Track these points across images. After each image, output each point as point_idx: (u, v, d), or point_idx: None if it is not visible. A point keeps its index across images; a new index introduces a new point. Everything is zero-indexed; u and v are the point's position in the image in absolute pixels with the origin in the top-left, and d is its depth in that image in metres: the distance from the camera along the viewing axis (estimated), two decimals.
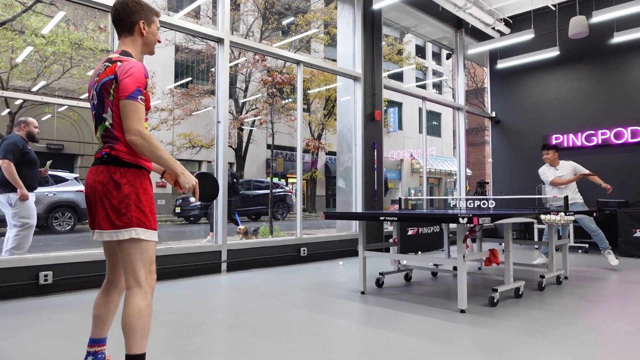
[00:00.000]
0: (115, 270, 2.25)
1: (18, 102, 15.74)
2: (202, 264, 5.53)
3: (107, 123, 2.04)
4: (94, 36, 15.79)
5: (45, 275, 4.34)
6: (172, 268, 5.25)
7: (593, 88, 9.01)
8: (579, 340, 3.02)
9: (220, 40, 5.97)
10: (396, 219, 3.84)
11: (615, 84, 8.72)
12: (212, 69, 20.39)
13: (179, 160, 21.99)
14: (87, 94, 17.48)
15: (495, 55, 10.36)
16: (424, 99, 9.45)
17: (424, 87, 33.45)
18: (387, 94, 8.06)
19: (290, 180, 27.36)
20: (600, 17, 7.47)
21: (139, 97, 1.98)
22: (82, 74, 16.58)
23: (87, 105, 5.43)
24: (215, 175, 2.18)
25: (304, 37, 22.81)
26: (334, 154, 24.47)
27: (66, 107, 17.75)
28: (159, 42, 2.31)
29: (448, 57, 10.62)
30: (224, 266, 5.71)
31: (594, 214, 5.51)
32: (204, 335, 3.19)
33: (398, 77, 30.44)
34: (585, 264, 6.60)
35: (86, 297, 4.28)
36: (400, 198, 5.53)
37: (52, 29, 13.88)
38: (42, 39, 13.57)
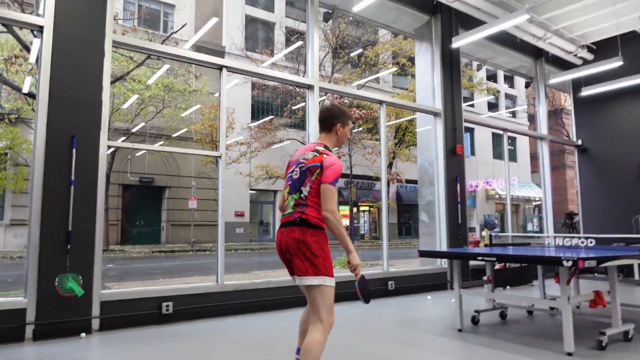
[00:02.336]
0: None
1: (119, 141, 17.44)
2: (296, 297, 5.84)
3: (302, 195, 2.67)
4: (188, 81, 17.26)
5: (167, 306, 4.86)
6: (270, 300, 5.60)
7: None
8: None
9: (310, 87, 6.44)
10: (495, 259, 3.92)
11: None
12: (289, 105, 21.34)
13: (257, 190, 23.03)
14: (176, 133, 18.72)
15: (578, 82, 10.06)
16: (505, 130, 9.37)
17: (496, 111, 32.53)
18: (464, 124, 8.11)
19: (361, 209, 27.55)
20: None
21: (336, 184, 2.64)
22: (171, 114, 18.11)
23: (177, 149, 6.11)
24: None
25: (378, 71, 23.26)
26: (406, 181, 24.39)
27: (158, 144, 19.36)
28: (348, 138, 3.04)
29: (527, 85, 10.46)
30: None
31: None
32: None
33: (470, 103, 29.91)
34: None
35: (201, 327, 4.73)
36: (490, 235, 5.55)
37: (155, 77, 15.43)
38: (140, 84, 15.10)
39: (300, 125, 22.06)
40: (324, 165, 2.63)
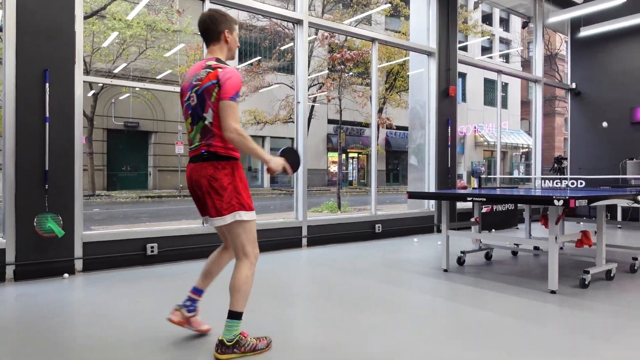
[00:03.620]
0: (228, 241, 2.68)
1: (100, 84, 16.82)
2: (286, 239, 5.84)
3: (206, 122, 2.37)
4: (171, 19, 16.44)
5: (152, 247, 4.80)
6: (260, 242, 5.58)
7: None
8: None
9: (299, 22, 6.09)
10: (485, 200, 3.86)
11: None
12: (278, 47, 20.60)
13: None
14: (160, 75, 18.11)
15: (577, 22, 9.72)
16: (499, 72, 9.13)
17: (491, 57, 31.90)
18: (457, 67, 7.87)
19: (350, 155, 27.46)
20: None
21: (237, 99, 2.33)
22: (155, 55, 17.38)
23: (159, 87, 5.80)
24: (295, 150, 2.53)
25: (373, 12, 22.37)
26: (396, 128, 24.19)
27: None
28: (238, 47, 2.65)
29: (524, 25, 10.09)
30: (304, 241, 5.99)
31: None
32: (297, 306, 3.45)
33: (463, 47, 29.18)
34: None
35: (186, 268, 4.70)
36: (480, 177, 5.49)
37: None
38: (121, 23, 14.34)
39: (289, 68, 21.44)
40: (220, 81, 2.30)
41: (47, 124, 4.25)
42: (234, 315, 2.41)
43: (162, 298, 3.59)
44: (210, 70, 2.36)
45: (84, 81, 4.60)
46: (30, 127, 4.18)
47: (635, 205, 4.24)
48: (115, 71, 17.30)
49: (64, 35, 4.38)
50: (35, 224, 4.11)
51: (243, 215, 2.38)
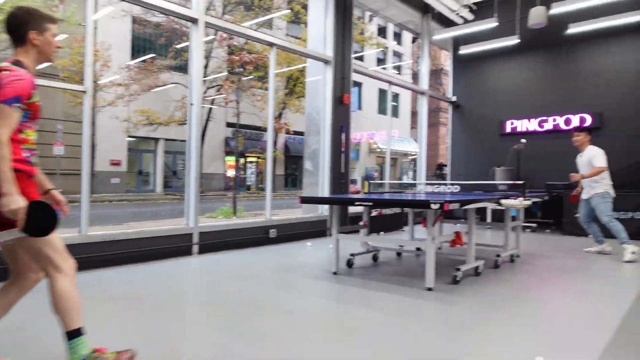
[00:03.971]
0: (19, 266, 2.29)
1: None
2: (174, 247, 5.57)
3: None
4: (51, 7, 14.92)
5: None
6: (144, 251, 5.26)
7: (548, 76, 9.53)
8: (531, 314, 3.37)
9: (194, 21, 5.88)
10: (372, 204, 4.05)
11: (567, 73, 9.26)
12: (174, 45, 19.75)
13: (137, 137, 21.33)
14: (37, 67, 16.48)
15: (458, 41, 10.68)
16: (390, 83, 9.68)
17: (385, 68, 33.80)
18: (352, 76, 8.22)
19: (249, 160, 27.20)
20: (558, 9, 7.86)
21: (15, 105, 2.04)
22: None
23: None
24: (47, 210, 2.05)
25: (274, 17, 22.41)
26: (294, 133, 24.50)
27: None
28: (59, 47, 2.35)
29: (414, 40, 10.86)
30: (195, 248, 5.78)
31: (544, 198, 5.98)
32: (185, 316, 3.31)
33: (359, 57, 30.56)
34: (536, 242, 7.14)
35: None
36: (369, 182, 5.76)
37: None
38: None
39: (185, 67, 20.65)
40: (1, 82, 2.05)
41: None
42: (72, 335, 2.17)
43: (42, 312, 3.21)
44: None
45: None
46: None
47: (500, 207, 4.75)
48: None
49: None
50: None
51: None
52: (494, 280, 4.46)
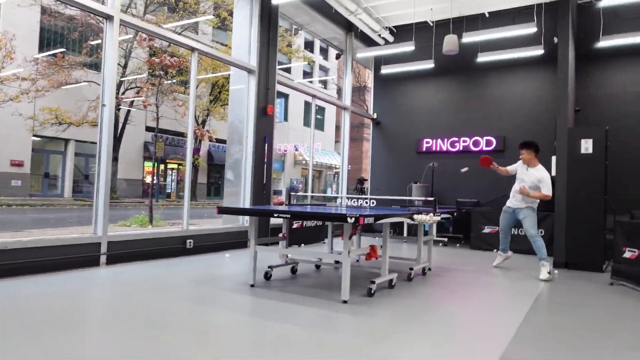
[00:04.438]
0: None
1: None
2: (79, 257, 5.15)
3: None
4: None
5: None
6: (43, 261, 4.81)
7: (459, 100, 10.22)
8: (440, 324, 3.54)
9: (109, 18, 5.55)
10: (289, 216, 4.04)
11: (477, 97, 10.01)
12: (89, 41, 18.55)
13: (43, 136, 19.61)
14: None
15: (380, 61, 11.13)
16: (314, 96, 9.82)
17: (311, 81, 34.31)
18: (277, 87, 8.23)
19: (169, 166, 26.13)
20: (469, 38, 8.51)
21: None
22: None
23: None
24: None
25: (198, 21, 21.86)
26: (218, 141, 23.99)
27: None
28: None
29: (337, 57, 11.13)
30: (103, 259, 5.39)
31: (454, 214, 6.35)
32: (79, 333, 3.06)
33: (287, 69, 30.77)
34: (447, 256, 7.55)
35: None
36: (290, 194, 5.76)
37: None
38: None
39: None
40: None
41: None
42: None
43: None
44: None
45: None
46: None
47: (413, 222, 4.96)
48: None
49: None
50: None
51: None
52: (407, 292, 4.63)
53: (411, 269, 5.31)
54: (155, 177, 14.18)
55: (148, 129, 22.89)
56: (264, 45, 7.88)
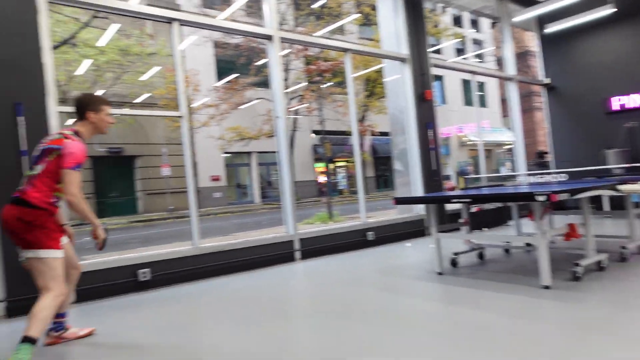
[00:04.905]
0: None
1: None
2: (278, 254, 5.81)
3: (34, 172, 2.86)
4: (142, 42, 16.41)
5: (144, 273, 4.74)
6: (250, 259, 5.55)
7: None
8: None
9: (269, 38, 6.13)
10: (470, 200, 3.90)
11: None
12: (254, 62, 20.66)
13: (231, 153, 22.65)
14: (139, 99, 18.11)
15: (543, 19, 9.95)
16: (473, 73, 9.28)
17: (465, 58, 32.41)
18: (432, 70, 7.99)
19: (338, 164, 27.55)
20: None
21: (77, 169, 2.82)
22: (131, 79, 17.32)
23: (138, 112, 5.80)
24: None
25: (344, 23, 22.58)
26: (380, 134, 24.35)
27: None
28: (112, 123, 3.16)
29: (493, 25, 10.32)
30: (297, 254, 5.98)
31: None
32: (288, 320, 3.43)
33: (436, 51, 29.62)
34: None
35: (180, 290, 4.64)
36: (465, 178, 5.55)
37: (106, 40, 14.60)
38: (94, 49, 14.28)
39: (268, 83, 21.52)
40: (64, 150, 2.80)
41: (24, 157, 4.19)
42: (27, 340, 2.61)
43: (166, 322, 3.54)
44: (61, 137, 2.88)
45: (59, 112, 4.53)
46: (6, 161, 4.12)
47: (618, 194, 4.32)
48: None
49: (33, 67, 4.34)
50: (19, 259, 4.02)
51: (44, 253, 2.76)
52: (623, 275, 4.06)
53: (623, 247, 4.62)
54: (327, 177, 15.12)
55: (314, 132, 24.52)
56: (413, 31, 7.74)
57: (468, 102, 32.88)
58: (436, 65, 8.30)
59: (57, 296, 2.77)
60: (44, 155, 2.84)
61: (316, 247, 6.20)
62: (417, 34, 7.80)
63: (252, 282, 4.88)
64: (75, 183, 2.79)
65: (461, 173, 26.09)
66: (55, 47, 13.07)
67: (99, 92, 17.15)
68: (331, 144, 22.33)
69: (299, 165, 23.68)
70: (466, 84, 32.54)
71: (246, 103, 20.86)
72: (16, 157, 4.18)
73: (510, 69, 10.01)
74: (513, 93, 10.07)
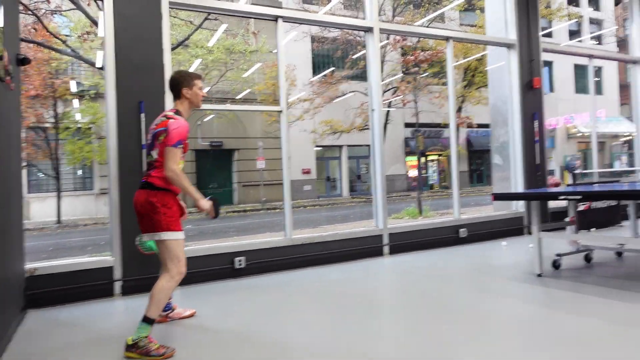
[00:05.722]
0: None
1: None
2: (366, 248, 5.82)
3: (152, 158, 2.99)
4: (247, 41, 17.34)
5: (240, 260, 5.04)
6: (340, 252, 5.63)
7: None
8: None
9: (369, 30, 6.10)
10: (580, 197, 3.57)
11: None
12: (350, 55, 20.77)
13: (322, 146, 23.11)
14: (240, 95, 19.18)
15: None
16: (590, 56, 8.41)
17: (580, 40, 29.48)
18: (542, 55, 7.38)
19: (429, 158, 26.74)
20: None
21: (179, 146, 2.90)
22: (234, 76, 18.35)
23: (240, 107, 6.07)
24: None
25: (446, 10, 21.78)
26: (478, 126, 23.20)
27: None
28: (205, 97, 3.25)
29: (617, 2, 9.22)
30: (386, 249, 5.94)
31: None
32: (379, 314, 3.42)
33: (547, 33, 27.31)
34: None
35: (273, 279, 4.86)
36: (574, 173, 5.09)
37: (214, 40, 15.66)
38: (203, 50, 15.37)
39: (362, 75, 21.48)
40: (168, 129, 2.89)
41: (144, 150, 4.65)
42: (146, 320, 2.80)
43: (262, 309, 3.75)
44: (164, 119, 2.99)
45: None
46: (130, 155, 4.60)
47: None
48: None
49: (155, 68, 4.77)
50: (136, 242, 4.50)
51: (168, 235, 2.88)
52: None
53: None
54: (419, 171, 14.78)
55: (406, 125, 24.03)
56: (523, 14, 7.20)
57: (580, 89, 29.94)
58: (547, 50, 7.66)
59: (174, 277, 2.89)
60: (155, 139, 2.98)
61: (405, 242, 6.09)
62: (528, 16, 7.24)
63: (341, 275, 4.95)
64: (174, 159, 2.86)
65: (567, 167, 23.89)
66: (172, 49, 14.35)
67: (206, 89, 18.50)
68: (424, 137, 21.76)
69: (389, 159, 23.42)
70: (579, 69, 29.62)
71: (340, 96, 21.08)
72: (140, 150, 4.64)
73: (636, 50, 8.89)
74: (638, 78, 8.95)
